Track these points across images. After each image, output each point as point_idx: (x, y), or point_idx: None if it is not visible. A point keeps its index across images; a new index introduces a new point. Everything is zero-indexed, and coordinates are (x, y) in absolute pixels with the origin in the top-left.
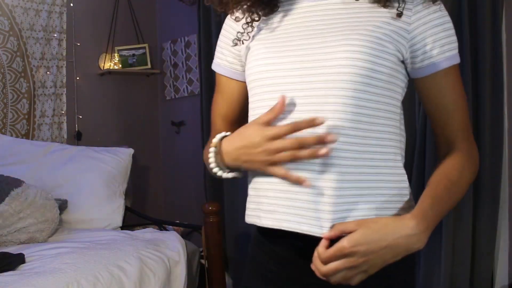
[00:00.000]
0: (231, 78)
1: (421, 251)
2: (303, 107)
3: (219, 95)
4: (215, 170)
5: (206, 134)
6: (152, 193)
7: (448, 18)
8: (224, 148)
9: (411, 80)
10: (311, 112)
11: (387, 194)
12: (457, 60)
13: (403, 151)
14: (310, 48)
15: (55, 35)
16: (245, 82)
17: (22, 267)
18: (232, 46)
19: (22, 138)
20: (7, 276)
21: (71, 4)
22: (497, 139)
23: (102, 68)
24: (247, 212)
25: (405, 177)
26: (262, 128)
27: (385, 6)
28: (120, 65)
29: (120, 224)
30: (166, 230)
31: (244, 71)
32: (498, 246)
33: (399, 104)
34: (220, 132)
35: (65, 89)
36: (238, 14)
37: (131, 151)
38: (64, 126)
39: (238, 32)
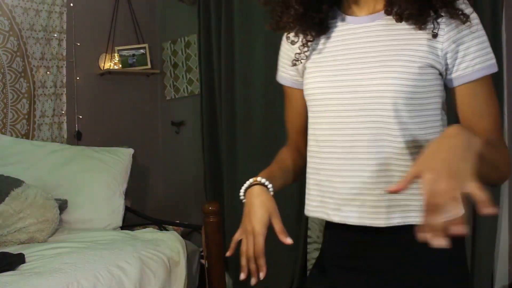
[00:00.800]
0: (295, 88)
1: None
2: (356, 125)
3: (288, 105)
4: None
5: (206, 134)
6: (152, 193)
7: (478, 34)
8: (246, 198)
9: None
10: (365, 129)
11: None
12: (485, 73)
13: None
14: (357, 74)
15: (55, 35)
16: None
17: (22, 267)
18: (291, 66)
19: (22, 138)
20: (7, 276)
21: (71, 4)
22: None
23: (102, 68)
24: (309, 208)
25: None
26: (263, 225)
27: (421, 28)
28: (120, 65)
29: (120, 224)
30: (166, 230)
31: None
32: (498, 246)
33: (439, 111)
34: (290, 146)
35: (65, 89)
36: (293, 37)
37: (131, 151)
38: (64, 126)
39: (296, 53)
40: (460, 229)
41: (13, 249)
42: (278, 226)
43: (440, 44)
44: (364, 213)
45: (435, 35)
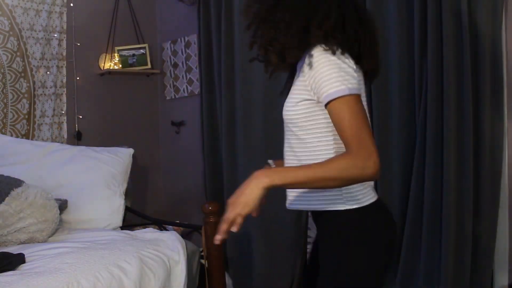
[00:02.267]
0: None
1: (421, 250)
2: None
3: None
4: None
5: (206, 134)
6: (152, 193)
7: (318, 70)
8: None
9: (410, 84)
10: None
11: None
12: (330, 98)
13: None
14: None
15: (55, 35)
16: None
17: (22, 267)
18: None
19: (22, 138)
20: (7, 276)
21: (71, 4)
22: (497, 139)
23: (102, 68)
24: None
25: None
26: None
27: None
28: (120, 65)
29: (120, 224)
30: (166, 230)
31: None
32: (498, 246)
33: (324, 127)
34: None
35: (65, 89)
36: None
37: (131, 151)
38: (64, 126)
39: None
40: (218, 237)
41: (13, 249)
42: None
43: (306, 81)
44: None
45: (309, 66)
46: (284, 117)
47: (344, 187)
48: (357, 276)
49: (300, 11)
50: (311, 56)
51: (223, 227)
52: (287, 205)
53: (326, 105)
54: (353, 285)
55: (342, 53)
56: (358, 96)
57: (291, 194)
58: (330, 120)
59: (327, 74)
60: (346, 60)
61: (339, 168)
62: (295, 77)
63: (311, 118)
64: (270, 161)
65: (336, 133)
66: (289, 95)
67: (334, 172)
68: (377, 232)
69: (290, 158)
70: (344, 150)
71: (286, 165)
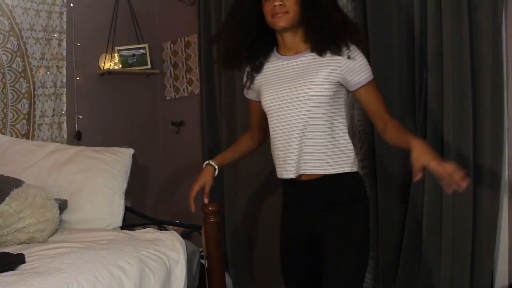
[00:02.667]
0: (254, 100)
1: (421, 251)
2: (283, 121)
3: (251, 112)
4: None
5: (206, 134)
6: (152, 193)
7: (359, 58)
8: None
9: (410, 84)
10: (286, 120)
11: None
12: (369, 79)
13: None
14: (290, 88)
15: (55, 35)
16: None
17: (22, 267)
18: (247, 88)
19: (22, 138)
20: (7, 276)
21: (71, 4)
22: (497, 139)
23: (102, 68)
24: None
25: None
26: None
27: (334, 54)
28: (120, 65)
29: (120, 224)
30: (166, 230)
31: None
32: (498, 246)
33: (342, 106)
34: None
35: (65, 89)
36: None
37: (131, 151)
38: (64, 126)
39: (246, 81)
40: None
41: (13, 249)
42: (205, 191)
43: (340, 66)
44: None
45: (348, 57)
46: (312, 95)
47: (353, 152)
48: (367, 229)
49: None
50: (349, 50)
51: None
52: (294, 172)
53: (360, 87)
54: (366, 237)
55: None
56: None
57: (304, 161)
58: (344, 100)
59: (365, 63)
60: None
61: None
62: (313, 67)
63: (336, 97)
64: (211, 162)
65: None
66: (311, 78)
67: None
68: (367, 192)
69: (299, 137)
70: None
71: (298, 151)
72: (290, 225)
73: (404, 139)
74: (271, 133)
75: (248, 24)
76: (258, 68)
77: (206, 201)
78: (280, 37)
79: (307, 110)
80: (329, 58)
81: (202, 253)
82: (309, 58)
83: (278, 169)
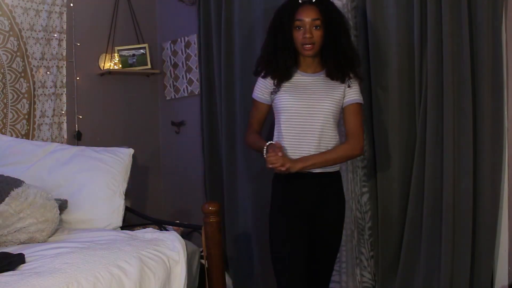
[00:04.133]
0: (266, 104)
1: (421, 250)
2: (303, 124)
3: (255, 112)
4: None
5: (206, 134)
6: (152, 193)
7: (355, 87)
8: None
9: (410, 84)
10: (306, 124)
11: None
12: (357, 101)
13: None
14: (311, 99)
15: (55, 35)
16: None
17: (22, 267)
18: (269, 93)
19: (22, 138)
20: (7, 276)
21: (71, 4)
22: (497, 139)
23: (102, 68)
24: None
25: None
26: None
27: (340, 83)
28: (120, 65)
29: (120, 224)
30: (166, 230)
31: (272, 100)
32: (498, 246)
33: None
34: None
35: (65, 89)
36: (270, 79)
37: (131, 151)
38: (64, 126)
39: (273, 88)
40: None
41: (13, 249)
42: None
43: (344, 92)
44: None
45: (348, 86)
46: (325, 111)
47: None
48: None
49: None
50: (350, 81)
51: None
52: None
53: (350, 105)
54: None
55: None
56: None
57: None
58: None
59: (358, 90)
60: None
61: (347, 153)
62: (327, 88)
63: (339, 113)
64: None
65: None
66: (329, 98)
67: (343, 156)
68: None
69: (317, 140)
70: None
71: (317, 148)
72: (291, 216)
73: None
74: (284, 132)
75: (289, 46)
76: (287, 78)
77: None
78: (303, 59)
79: (324, 119)
80: (336, 83)
81: (202, 253)
82: (322, 79)
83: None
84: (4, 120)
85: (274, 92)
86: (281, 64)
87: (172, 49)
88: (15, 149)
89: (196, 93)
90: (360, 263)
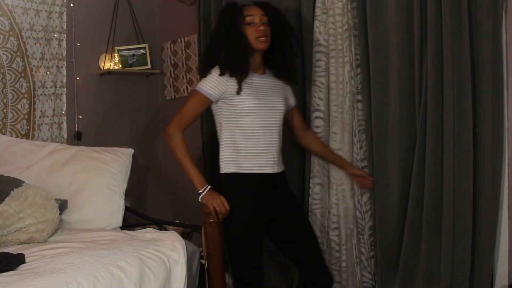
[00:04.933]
0: (212, 101)
1: (421, 250)
2: (265, 126)
3: (199, 107)
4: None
5: (206, 134)
6: (152, 193)
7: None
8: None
9: (410, 84)
10: (268, 125)
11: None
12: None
13: None
14: (269, 102)
15: (55, 35)
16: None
17: (22, 267)
18: (228, 92)
19: (22, 138)
20: (7, 276)
21: (71, 4)
22: (497, 139)
23: (102, 68)
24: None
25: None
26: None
27: (286, 82)
28: (120, 65)
29: (120, 224)
30: (166, 230)
31: (218, 100)
32: (498, 246)
33: None
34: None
35: (65, 89)
36: (228, 77)
37: (131, 151)
38: (64, 126)
39: (231, 86)
40: None
41: (13, 249)
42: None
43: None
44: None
45: (293, 86)
46: (281, 112)
47: None
48: None
49: None
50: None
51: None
52: (275, 169)
53: (295, 107)
54: None
55: None
56: None
57: (278, 158)
58: None
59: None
60: None
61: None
62: (278, 88)
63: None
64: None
65: None
66: (281, 99)
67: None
68: None
69: (278, 141)
70: None
71: (278, 149)
72: (256, 212)
73: (336, 159)
74: (249, 132)
75: (241, 42)
76: (246, 77)
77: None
78: (253, 60)
79: (280, 119)
80: (281, 83)
81: (202, 253)
82: (271, 80)
83: (257, 164)
84: (4, 120)
85: (236, 92)
86: (243, 61)
87: (172, 49)
88: (15, 149)
89: None
90: (360, 263)
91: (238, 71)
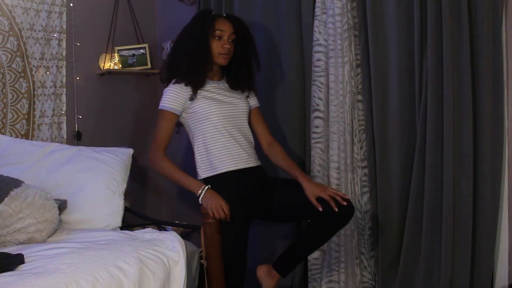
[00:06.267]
0: (177, 115)
1: (421, 250)
2: (230, 124)
3: (168, 125)
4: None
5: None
6: (152, 193)
7: (253, 95)
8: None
9: (410, 84)
10: (233, 124)
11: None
12: (257, 105)
13: None
14: (229, 103)
15: (55, 35)
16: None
17: (21, 267)
18: (185, 101)
19: (22, 138)
20: (6, 276)
21: (71, 4)
22: (497, 139)
23: (102, 68)
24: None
25: None
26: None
27: (241, 92)
28: (120, 65)
29: (119, 224)
30: (166, 230)
31: (182, 111)
32: (498, 246)
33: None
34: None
35: (65, 89)
36: (184, 87)
37: (131, 151)
38: (64, 126)
39: (190, 95)
40: None
41: (12, 250)
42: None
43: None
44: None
45: (247, 96)
46: (243, 109)
47: None
48: None
49: None
50: (250, 93)
51: None
52: (250, 164)
53: (254, 108)
54: None
55: None
56: None
57: (252, 154)
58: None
59: (255, 97)
60: None
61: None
62: (233, 92)
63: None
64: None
65: None
66: (241, 99)
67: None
68: None
69: (248, 137)
70: None
71: (247, 141)
72: (238, 205)
73: (292, 172)
74: (216, 133)
75: (205, 53)
76: (202, 86)
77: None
78: (212, 67)
79: (244, 116)
80: (237, 92)
81: (202, 253)
82: (226, 86)
83: (230, 162)
84: (4, 120)
85: (189, 99)
86: (202, 72)
87: None
88: (15, 149)
89: None
90: (360, 263)
91: (194, 81)
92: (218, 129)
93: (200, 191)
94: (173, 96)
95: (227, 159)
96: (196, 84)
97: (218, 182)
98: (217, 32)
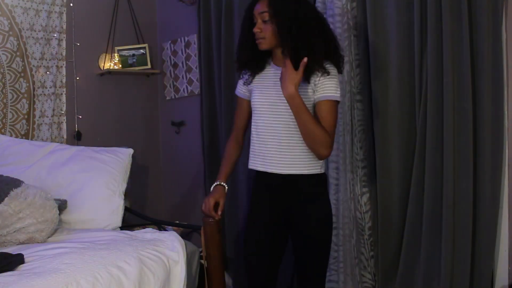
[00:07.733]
0: (246, 99)
1: (421, 250)
2: (273, 119)
3: (238, 109)
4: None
5: (206, 134)
6: (152, 193)
7: (328, 83)
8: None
9: (410, 84)
10: (277, 119)
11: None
12: (332, 98)
13: None
14: (276, 96)
15: (55, 35)
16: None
17: (21, 267)
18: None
19: (22, 138)
20: (7, 276)
21: (71, 4)
22: (497, 139)
23: (102, 68)
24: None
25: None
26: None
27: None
28: (120, 65)
29: (119, 224)
30: (166, 230)
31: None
32: (498, 246)
33: None
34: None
35: (65, 89)
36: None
37: (131, 151)
38: (64, 126)
39: (247, 79)
40: None
41: (12, 250)
42: (221, 206)
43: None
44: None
45: (318, 81)
46: (283, 108)
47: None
48: None
49: None
50: (319, 78)
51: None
52: (275, 170)
53: (320, 101)
54: None
55: None
56: None
57: (288, 160)
58: None
59: (334, 83)
60: None
61: (322, 140)
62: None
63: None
64: (221, 182)
65: None
66: (302, 91)
67: (318, 138)
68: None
69: (284, 139)
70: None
71: (279, 145)
72: (257, 208)
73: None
74: (253, 128)
75: (249, 38)
76: (260, 69)
77: (219, 215)
78: (271, 52)
79: (284, 115)
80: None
81: (202, 253)
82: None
83: (253, 161)
84: (4, 120)
85: (248, 83)
86: (244, 57)
87: (172, 49)
88: (15, 149)
89: (196, 93)
90: (360, 263)
91: (248, 65)
92: (256, 124)
93: (212, 186)
94: (239, 81)
95: (252, 158)
96: (251, 68)
97: (252, 176)
98: (255, 16)
